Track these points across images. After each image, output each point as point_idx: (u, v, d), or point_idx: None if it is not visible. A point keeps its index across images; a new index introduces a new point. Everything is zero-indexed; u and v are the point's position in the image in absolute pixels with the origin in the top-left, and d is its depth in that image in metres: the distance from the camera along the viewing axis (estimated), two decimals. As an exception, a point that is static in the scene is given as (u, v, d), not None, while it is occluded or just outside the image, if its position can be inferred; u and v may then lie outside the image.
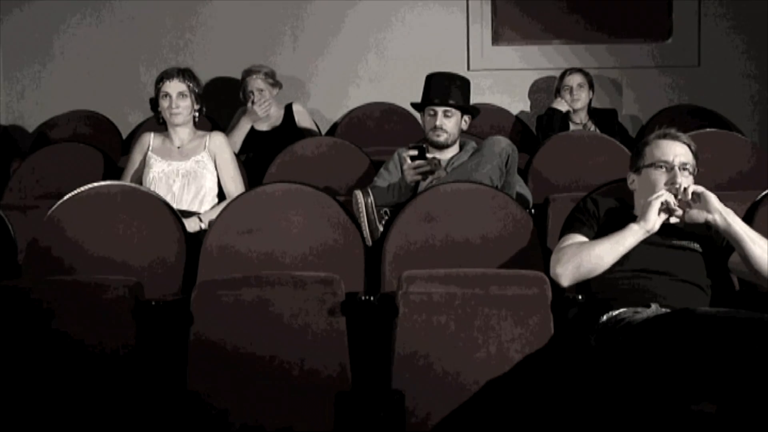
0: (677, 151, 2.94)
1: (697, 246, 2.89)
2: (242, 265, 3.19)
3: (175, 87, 3.98)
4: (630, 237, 2.81)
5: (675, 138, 2.97)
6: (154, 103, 4.05)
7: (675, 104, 5.38)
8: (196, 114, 4.06)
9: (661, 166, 2.92)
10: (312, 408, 2.76)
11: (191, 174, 3.93)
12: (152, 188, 3.78)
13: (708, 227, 2.88)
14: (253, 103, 4.91)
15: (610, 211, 2.97)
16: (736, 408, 2.30)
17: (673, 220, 2.85)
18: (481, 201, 3.34)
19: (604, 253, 2.81)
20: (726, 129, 4.70)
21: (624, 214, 2.96)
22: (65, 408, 2.75)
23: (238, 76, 5.17)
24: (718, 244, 2.91)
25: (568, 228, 2.98)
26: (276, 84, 5.12)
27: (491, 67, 5.47)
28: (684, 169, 2.92)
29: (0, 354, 2.77)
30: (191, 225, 3.70)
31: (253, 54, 5.44)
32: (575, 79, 5.08)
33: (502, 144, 3.69)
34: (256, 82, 5.05)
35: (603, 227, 2.92)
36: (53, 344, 2.77)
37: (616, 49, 5.49)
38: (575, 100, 5.05)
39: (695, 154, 2.98)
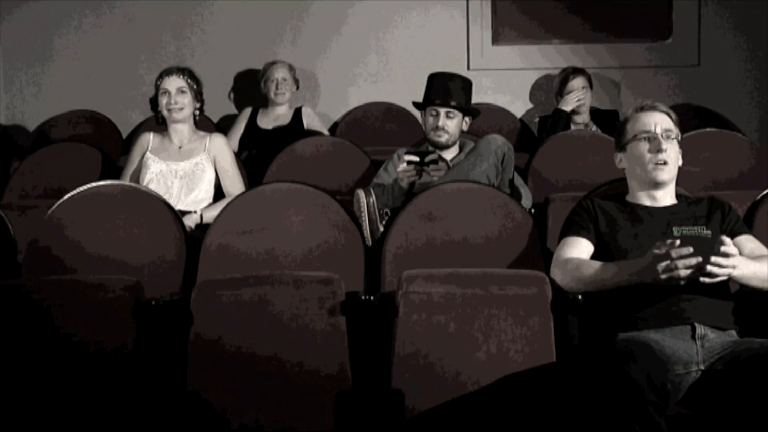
0: (657, 120, 2.92)
1: (708, 232, 2.86)
2: (242, 265, 3.19)
3: (174, 83, 3.99)
4: (635, 276, 2.69)
5: (652, 108, 2.96)
6: (154, 102, 4.06)
7: (675, 104, 5.35)
8: (197, 113, 4.07)
9: (643, 138, 2.91)
10: (312, 408, 2.76)
11: (189, 176, 3.93)
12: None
13: (720, 214, 2.89)
14: (275, 94, 4.96)
15: (607, 207, 2.96)
16: None
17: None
18: (482, 201, 3.33)
19: (606, 280, 2.74)
20: (726, 129, 4.69)
21: (620, 207, 2.95)
22: (65, 408, 2.75)
23: (239, 76, 5.16)
24: (729, 230, 2.89)
25: (567, 230, 2.96)
26: (296, 80, 5.17)
27: (491, 67, 5.47)
28: (668, 136, 2.90)
29: (0, 354, 2.78)
30: (190, 221, 3.70)
31: (253, 54, 5.45)
32: (579, 83, 5.03)
33: (498, 142, 3.68)
34: (281, 72, 5.10)
35: (600, 224, 2.91)
36: (53, 344, 2.77)
37: (616, 49, 5.49)
38: (580, 102, 5.03)
39: (675, 121, 2.96)
